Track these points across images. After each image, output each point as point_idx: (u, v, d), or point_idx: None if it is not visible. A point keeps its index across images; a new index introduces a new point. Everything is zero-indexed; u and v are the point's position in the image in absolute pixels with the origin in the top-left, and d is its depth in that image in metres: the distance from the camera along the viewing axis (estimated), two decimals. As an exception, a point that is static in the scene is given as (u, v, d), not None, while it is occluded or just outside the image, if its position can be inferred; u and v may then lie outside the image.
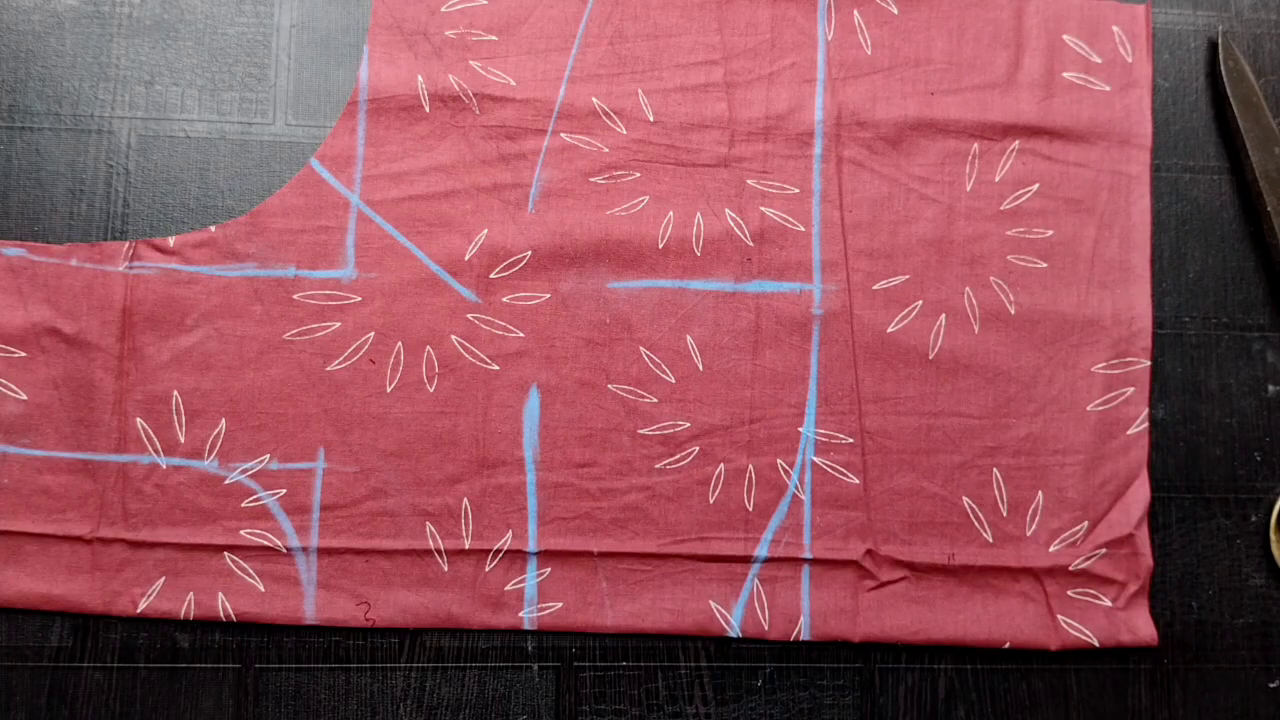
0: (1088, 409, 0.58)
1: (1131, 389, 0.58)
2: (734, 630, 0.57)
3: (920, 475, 0.58)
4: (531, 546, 0.57)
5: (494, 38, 0.58)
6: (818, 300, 0.58)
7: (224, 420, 0.56)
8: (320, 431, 0.57)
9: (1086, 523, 0.58)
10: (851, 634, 0.56)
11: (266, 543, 0.56)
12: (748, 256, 0.58)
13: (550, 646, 0.57)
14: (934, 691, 0.58)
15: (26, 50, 0.58)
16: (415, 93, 0.58)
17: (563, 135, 0.58)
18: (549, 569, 0.57)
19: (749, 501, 0.57)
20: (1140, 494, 0.58)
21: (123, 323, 0.56)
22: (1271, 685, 0.57)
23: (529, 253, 0.58)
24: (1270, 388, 0.60)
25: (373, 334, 0.57)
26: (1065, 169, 0.59)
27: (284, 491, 0.56)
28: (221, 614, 0.55)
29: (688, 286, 0.58)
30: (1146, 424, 0.58)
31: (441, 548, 0.56)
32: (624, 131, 0.58)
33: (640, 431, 0.57)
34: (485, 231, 0.58)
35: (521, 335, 0.57)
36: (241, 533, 0.56)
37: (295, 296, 0.57)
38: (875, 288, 0.58)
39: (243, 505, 0.56)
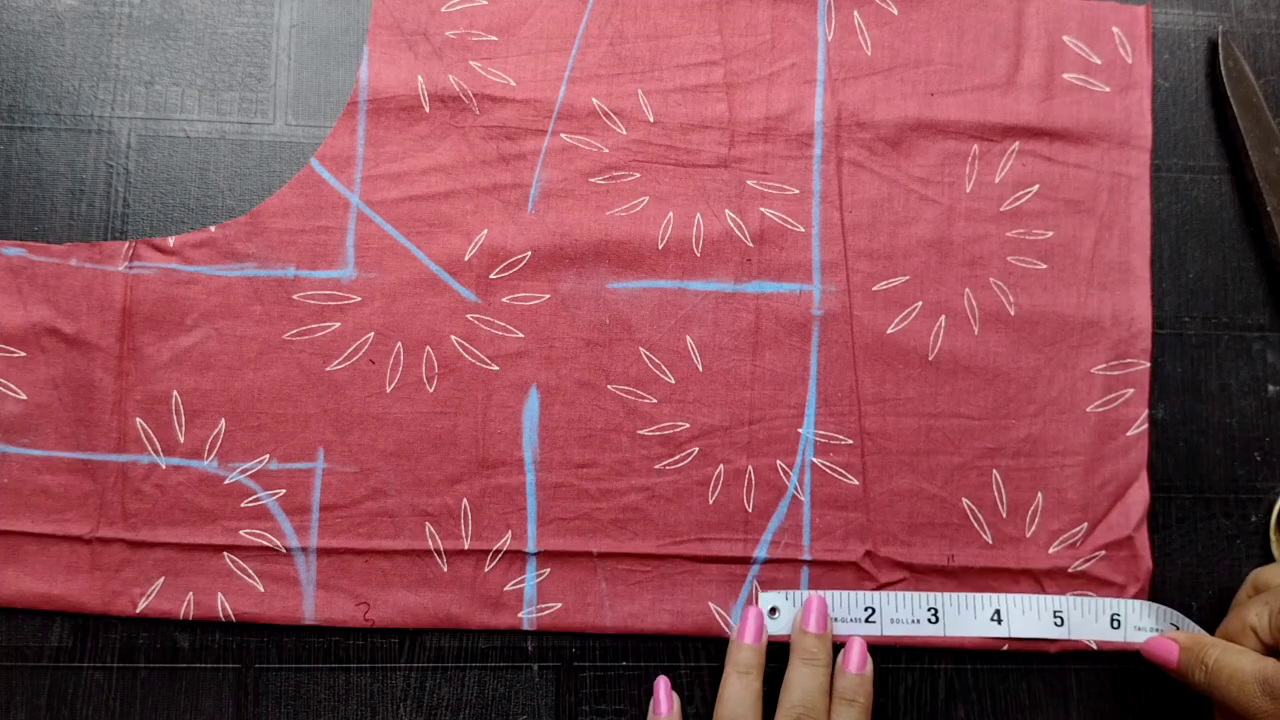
0: (1087, 410, 0.58)
1: (1131, 390, 0.58)
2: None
3: (920, 476, 0.58)
4: (531, 547, 0.57)
5: (494, 38, 0.58)
6: (817, 301, 0.58)
7: (224, 420, 0.56)
8: (320, 432, 0.57)
9: (1086, 524, 0.58)
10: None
11: (266, 543, 0.56)
12: (748, 257, 0.58)
13: (550, 647, 0.57)
14: (934, 691, 0.58)
15: (26, 50, 0.58)
16: (415, 93, 0.58)
17: (562, 135, 0.58)
18: (548, 569, 0.57)
19: (748, 502, 0.57)
20: (1140, 496, 0.58)
21: (122, 323, 0.56)
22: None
23: (529, 253, 0.58)
24: (1270, 388, 0.60)
25: (372, 334, 0.57)
26: (1065, 170, 0.59)
27: (283, 492, 0.56)
28: (221, 614, 0.55)
29: (687, 287, 0.58)
30: (1146, 425, 0.58)
31: (441, 548, 0.56)
32: (624, 132, 0.58)
33: (640, 432, 0.57)
34: (485, 232, 0.58)
35: (521, 336, 0.57)
36: (241, 533, 0.56)
37: (295, 296, 0.57)
38: (875, 289, 0.58)
39: (242, 505, 0.56)
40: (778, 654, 0.57)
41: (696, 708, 0.57)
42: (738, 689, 0.53)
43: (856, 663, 0.54)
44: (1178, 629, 0.56)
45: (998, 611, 0.56)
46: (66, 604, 0.55)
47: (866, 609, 0.56)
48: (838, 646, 0.56)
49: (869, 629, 0.56)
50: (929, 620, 0.56)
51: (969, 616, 0.56)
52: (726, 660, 0.55)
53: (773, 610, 0.56)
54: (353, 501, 0.56)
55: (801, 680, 0.53)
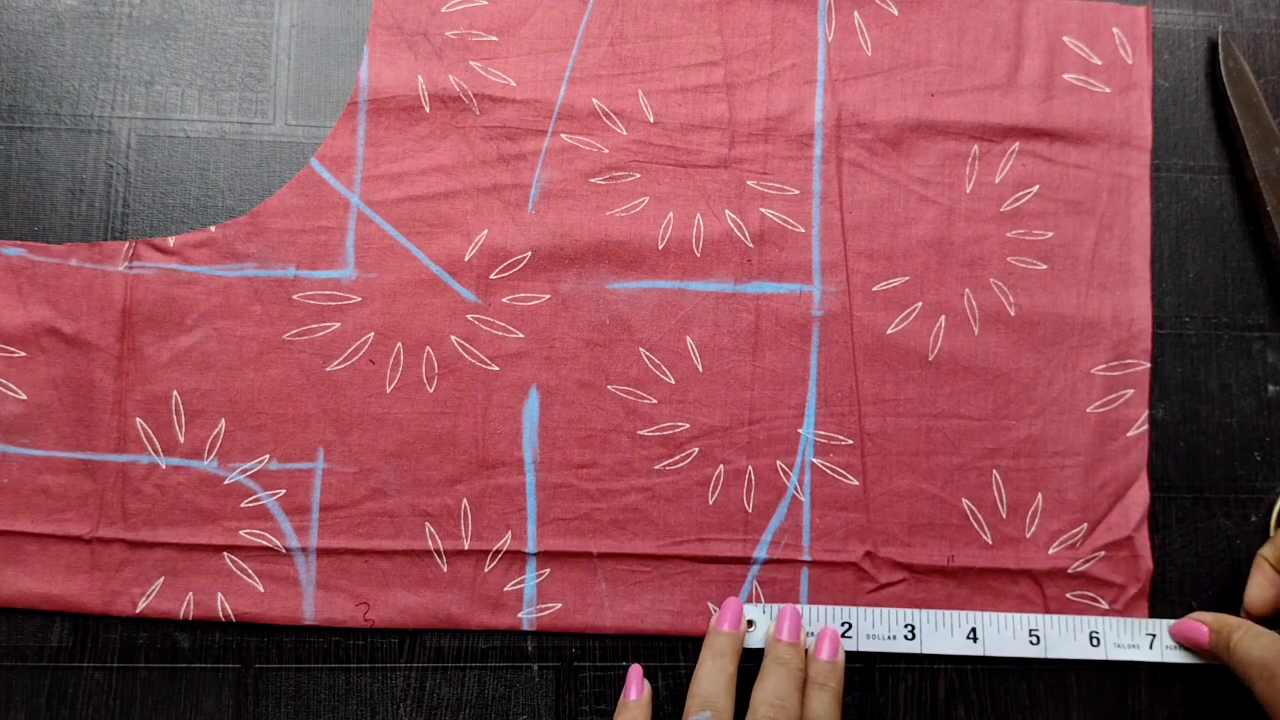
0: (1087, 411, 0.58)
1: (1131, 391, 0.58)
2: (733, 631, 0.57)
3: (920, 477, 0.58)
4: (531, 547, 0.57)
5: (494, 38, 0.58)
6: (817, 302, 0.58)
7: (223, 420, 0.56)
8: (320, 432, 0.57)
9: (1086, 525, 0.58)
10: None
11: (266, 543, 0.56)
12: (748, 258, 0.58)
13: (550, 647, 0.57)
14: (934, 691, 0.58)
15: (26, 50, 0.58)
16: (415, 93, 0.58)
17: (563, 136, 0.58)
18: (548, 570, 0.57)
19: (748, 503, 0.57)
20: (1139, 496, 0.58)
21: (122, 323, 0.56)
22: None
23: (529, 253, 0.58)
24: (1270, 388, 0.60)
25: (372, 334, 0.57)
26: (1065, 171, 0.59)
27: (283, 492, 0.56)
28: (221, 614, 0.55)
29: (687, 288, 0.58)
30: (1146, 426, 0.58)
31: (441, 548, 0.56)
32: (624, 132, 0.58)
33: (640, 432, 0.57)
34: (485, 232, 0.58)
35: (521, 336, 0.57)
36: (241, 533, 0.56)
37: (295, 297, 0.57)
38: (875, 289, 0.58)
39: (242, 505, 0.56)
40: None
41: (696, 708, 0.57)
42: (712, 670, 0.54)
43: (829, 651, 0.55)
44: (1154, 636, 0.56)
45: (974, 630, 0.56)
46: (66, 604, 0.55)
47: (843, 624, 0.56)
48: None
49: (845, 644, 0.56)
50: (905, 637, 0.56)
51: (945, 634, 0.56)
52: (704, 646, 0.55)
53: (749, 623, 0.56)
54: (353, 501, 0.56)
55: (775, 675, 0.53)
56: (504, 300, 0.57)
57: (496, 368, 0.57)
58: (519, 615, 0.56)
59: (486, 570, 0.57)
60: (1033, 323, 0.58)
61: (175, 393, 0.56)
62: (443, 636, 0.57)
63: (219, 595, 0.56)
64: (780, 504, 0.57)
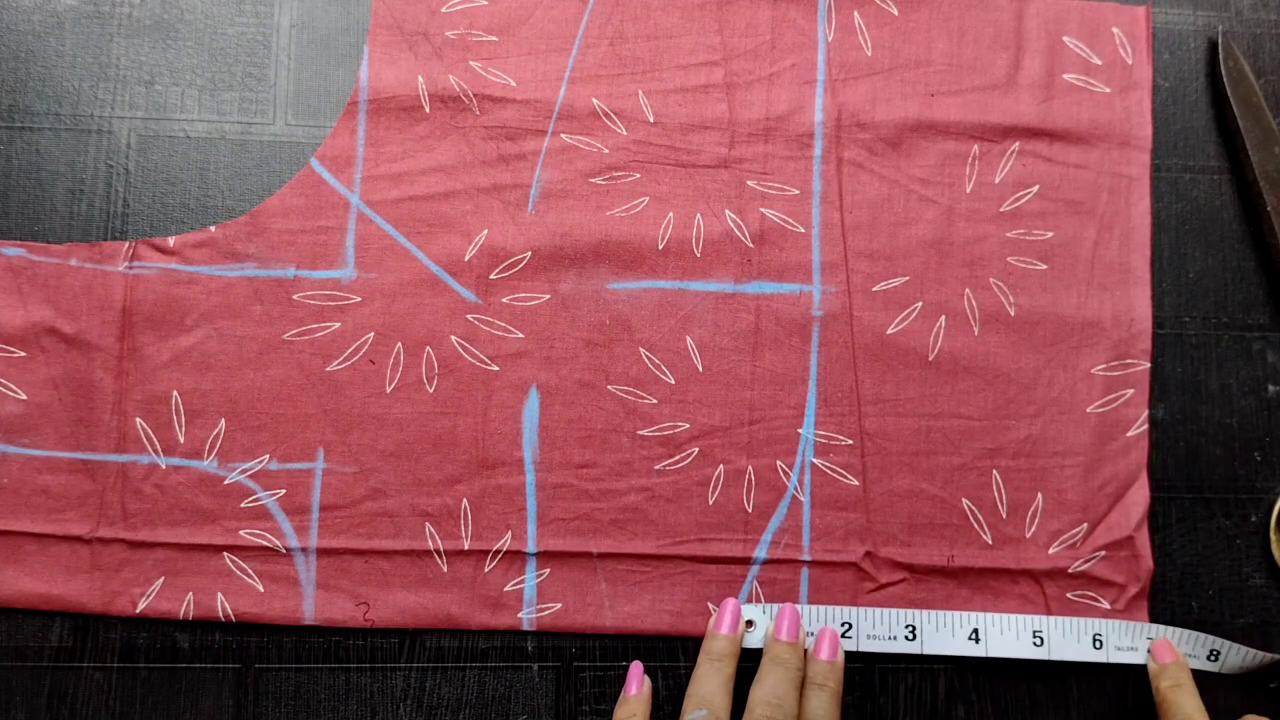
0: (1087, 411, 0.58)
1: (1131, 391, 0.58)
2: (733, 631, 0.57)
3: (920, 477, 0.58)
4: (531, 547, 0.57)
5: (494, 38, 0.58)
6: (817, 302, 0.58)
7: (223, 420, 0.56)
8: (320, 432, 0.57)
9: (1086, 525, 0.58)
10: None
11: (266, 543, 0.56)
12: (748, 258, 0.58)
13: (550, 647, 0.57)
14: (934, 691, 0.58)
15: (26, 50, 0.58)
16: (415, 93, 0.58)
17: (563, 136, 0.58)
18: (548, 570, 0.57)
19: (748, 503, 0.57)
20: (1140, 496, 0.58)
21: (122, 323, 0.56)
22: (1271, 685, 0.57)
23: (529, 253, 0.58)
24: (1270, 388, 0.60)
25: (372, 334, 0.57)
26: (1065, 171, 0.59)
27: (283, 492, 0.56)
28: (220, 614, 0.55)
29: (687, 288, 0.58)
30: (1146, 426, 0.58)
31: (441, 548, 0.56)
32: (624, 132, 0.58)
33: (640, 432, 0.57)
34: (485, 232, 0.58)
35: (521, 336, 0.57)
36: (241, 533, 0.56)
37: (295, 297, 0.57)
38: (875, 289, 0.58)
39: (242, 505, 0.56)
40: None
41: (696, 708, 0.57)
42: (710, 672, 0.54)
43: (828, 651, 0.55)
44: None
45: (976, 630, 0.56)
46: (66, 604, 0.55)
47: (843, 624, 0.56)
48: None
49: (845, 644, 0.56)
50: (906, 637, 0.56)
51: (946, 635, 0.56)
52: (701, 650, 0.55)
53: (749, 624, 0.56)
54: (353, 501, 0.56)
55: (773, 674, 0.53)
56: (504, 300, 0.57)
57: (496, 368, 0.57)
58: (519, 615, 0.56)
59: (486, 570, 0.57)
60: (1033, 323, 0.58)
61: (175, 393, 0.56)
62: (443, 636, 0.57)
63: (219, 595, 0.56)
64: (780, 504, 0.57)
